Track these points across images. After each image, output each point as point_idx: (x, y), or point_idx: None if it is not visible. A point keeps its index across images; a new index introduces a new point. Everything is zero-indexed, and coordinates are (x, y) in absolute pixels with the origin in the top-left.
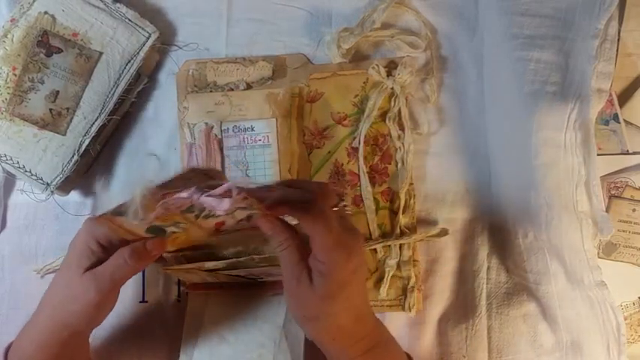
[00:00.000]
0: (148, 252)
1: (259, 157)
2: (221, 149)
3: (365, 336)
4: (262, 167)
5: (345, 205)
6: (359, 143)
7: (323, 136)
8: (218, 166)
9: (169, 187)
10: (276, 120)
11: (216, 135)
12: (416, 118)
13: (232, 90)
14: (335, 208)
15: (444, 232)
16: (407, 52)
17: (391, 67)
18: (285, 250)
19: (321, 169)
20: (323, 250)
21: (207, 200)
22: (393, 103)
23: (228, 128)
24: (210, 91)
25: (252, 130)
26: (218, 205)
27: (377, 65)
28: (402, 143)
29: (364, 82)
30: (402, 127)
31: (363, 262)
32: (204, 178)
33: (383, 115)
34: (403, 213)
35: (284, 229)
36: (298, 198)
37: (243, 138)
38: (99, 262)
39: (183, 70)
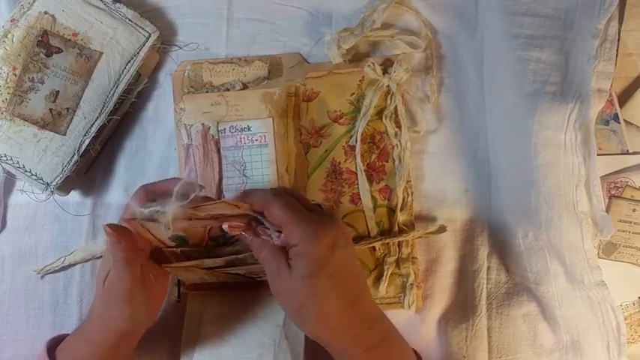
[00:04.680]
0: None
1: (256, 157)
2: (218, 150)
3: (368, 329)
4: (259, 167)
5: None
6: (356, 141)
7: (320, 135)
8: (215, 167)
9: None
10: (273, 119)
11: (212, 135)
12: (413, 116)
13: (228, 90)
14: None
15: (442, 229)
16: (404, 51)
17: (387, 64)
18: (262, 252)
19: (318, 167)
20: (291, 231)
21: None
22: (389, 101)
23: (224, 129)
24: (207, 92)
25: (249, 130)
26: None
27: (372, 63)
28: (399, 141)
29: (360, 81)
30: (398, 125)
31: (343, 239)
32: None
33: (379, 113)
34: (401, 210)
35: (255, 233)
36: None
37: (240, 138)
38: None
39: (178, 71)
